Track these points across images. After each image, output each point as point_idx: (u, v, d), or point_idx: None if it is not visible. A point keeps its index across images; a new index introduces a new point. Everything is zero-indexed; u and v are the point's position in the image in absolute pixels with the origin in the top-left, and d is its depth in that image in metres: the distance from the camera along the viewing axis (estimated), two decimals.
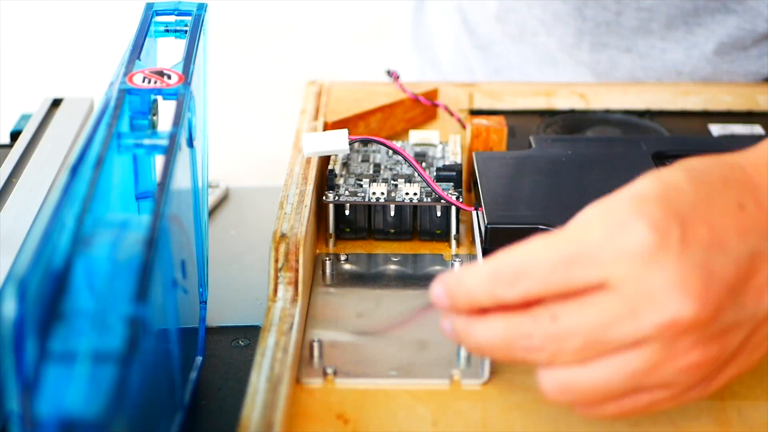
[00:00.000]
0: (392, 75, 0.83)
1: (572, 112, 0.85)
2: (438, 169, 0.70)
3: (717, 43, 0.91)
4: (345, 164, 0.72)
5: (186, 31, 0.63)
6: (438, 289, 0.51)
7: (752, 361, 0.52)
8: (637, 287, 0.47)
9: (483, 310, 0.50)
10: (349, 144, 0.68)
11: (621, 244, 0.48)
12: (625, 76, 0.95)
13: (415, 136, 0.75)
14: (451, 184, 0.69)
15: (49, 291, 0.42)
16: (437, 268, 0.67)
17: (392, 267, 0.67)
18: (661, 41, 0.92)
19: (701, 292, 0.47)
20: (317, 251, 0.68)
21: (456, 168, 0.70)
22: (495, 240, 0.63)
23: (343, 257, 0.68)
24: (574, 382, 0.49)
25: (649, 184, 0.50)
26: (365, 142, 0.74)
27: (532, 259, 0.49)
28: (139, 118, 0.57)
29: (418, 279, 0.66)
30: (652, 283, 0.47)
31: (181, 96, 0.57)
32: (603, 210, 0.49)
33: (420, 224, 0.69)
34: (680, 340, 0.48)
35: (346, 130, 0.69)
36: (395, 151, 0.68)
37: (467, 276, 0.50)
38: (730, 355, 0.50)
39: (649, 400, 0.50)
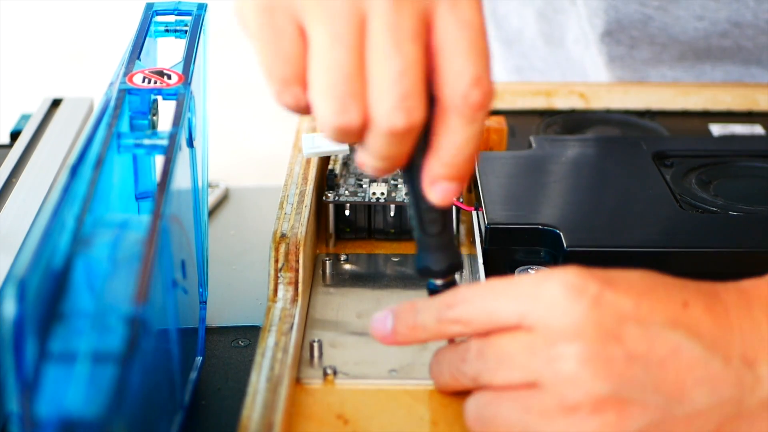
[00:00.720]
0: None
1: (572, 112, 0.85)
2: None
3: (725, 72, 0.91)
4: (345, 164, 0.72)
5: (186, 31, 0.63)
6: (384, 312, 0.53)
7: None
8: (542, 331, 0.49)
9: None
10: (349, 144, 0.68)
11: (540, 288, 0.50)
12: None
13: None
14: None
15: (49, 291, 0.42)
16: None
17: (392, 267, 0.67)
18: (671, 70, 0.92)
19: (593, 341, 0.48)
20: (317, 251, 0.68)
21: None
22: (495, 240, 0.63)
23: (343, 257, 0.68)
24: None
25: (598, 272, 0.51)
26: None
27: (470, 290, 0.52)
28: (139, 118, 0.57)
29: (418, 279, 0.66)
30: (552, 328, 0.49)
31: (181, 96, 0.56)
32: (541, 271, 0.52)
33: None
34: (568, 386, 0.49)
35: None
36: None
37: (417, 300, 0.53)
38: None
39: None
